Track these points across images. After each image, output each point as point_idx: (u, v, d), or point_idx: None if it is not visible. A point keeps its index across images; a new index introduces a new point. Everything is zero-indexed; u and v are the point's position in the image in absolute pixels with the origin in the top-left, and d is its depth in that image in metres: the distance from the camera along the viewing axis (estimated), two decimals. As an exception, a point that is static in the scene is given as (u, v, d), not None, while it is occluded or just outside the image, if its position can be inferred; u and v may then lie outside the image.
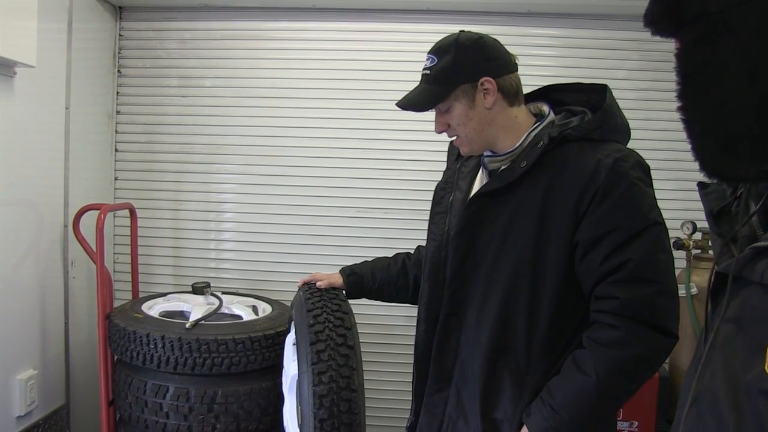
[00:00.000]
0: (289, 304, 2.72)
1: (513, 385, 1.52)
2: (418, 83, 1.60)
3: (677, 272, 2.48)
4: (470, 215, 1.58)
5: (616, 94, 1.59)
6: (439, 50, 1.56)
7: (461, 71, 1.54)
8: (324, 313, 1.84)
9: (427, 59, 1.58)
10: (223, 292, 2.79)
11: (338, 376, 1.73)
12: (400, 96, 1.62)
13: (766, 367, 0.67)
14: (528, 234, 1.49)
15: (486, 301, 1.55)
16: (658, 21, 0.72)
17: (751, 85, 0.67)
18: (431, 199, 1.79)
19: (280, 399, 2.28)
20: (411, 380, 1.78)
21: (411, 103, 1.58)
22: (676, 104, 0.73)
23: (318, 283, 1.98)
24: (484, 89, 1.54)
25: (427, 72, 1.56)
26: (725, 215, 0.88)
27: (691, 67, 0.71)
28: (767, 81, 0.66)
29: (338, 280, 1.99)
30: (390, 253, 2.04)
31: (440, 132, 1.63)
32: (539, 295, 1.49)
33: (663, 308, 1.42)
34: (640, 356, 1.41)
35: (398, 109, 1.61)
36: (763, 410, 0.66)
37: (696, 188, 0.98)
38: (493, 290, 1.54)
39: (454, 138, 1.63)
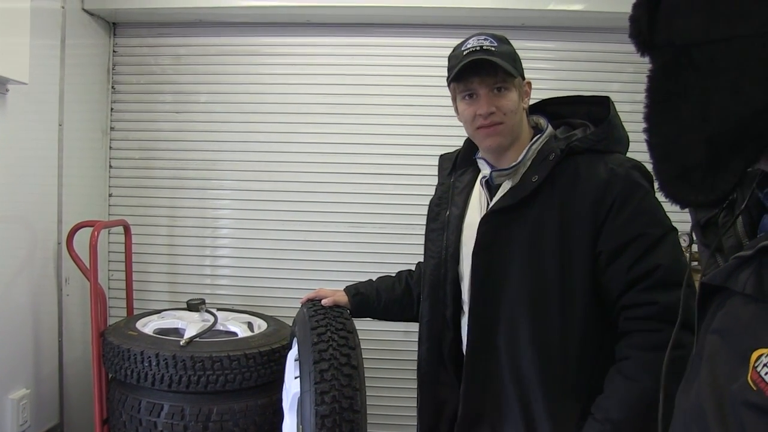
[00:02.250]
0: (284, 320, 2.71)
1: (554, 409, 1.48)
2: (472, 52, 1.50)
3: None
4: (484, 235, 1.54)
5: (610, 106, 1.58)
6: (494, 37, 1.54)
7: (519, 65, 1.57)
8: (328, 331, 1.80)
9: (483, 38, 1.52)
10: (218, 309, 2.77)
11: (341, 396, 1.69)
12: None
13: (749, 378, 0.66)
14: (551, 252, 1.46)
15: (516, 325, 1.50)
16: (633, 39, 0.75)
17: (702, 122, 0.69)
18: (425, 214, 1.77)
19: (276, 416, 2.25)
20: (415, 399, 1.75)
21: (500, 63, 1.47)
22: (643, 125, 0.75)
23: (323, 301, 1.92)
24: (525, 91, 1.59)
25: (492, 48, 1.50)
26: (712, 226, 0.89)
27: (658, 93, 0.73)
28: (716, 122, 0.68)
29: (343, 299, 1.94)
30: (385, 268, 2.02)
31: (489, 113, 1.51)
32: (570, 314, 1.46)
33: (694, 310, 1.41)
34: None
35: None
36: (747, 422, 0.66)
37: None
38: (521, 314, 1.49)
39: (492, 126, 1.52)
